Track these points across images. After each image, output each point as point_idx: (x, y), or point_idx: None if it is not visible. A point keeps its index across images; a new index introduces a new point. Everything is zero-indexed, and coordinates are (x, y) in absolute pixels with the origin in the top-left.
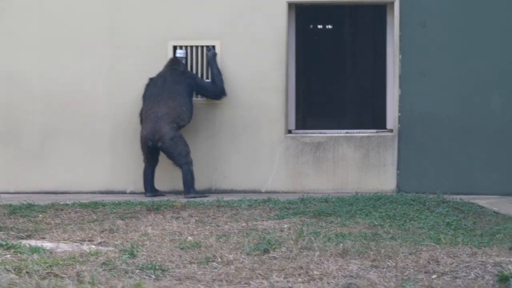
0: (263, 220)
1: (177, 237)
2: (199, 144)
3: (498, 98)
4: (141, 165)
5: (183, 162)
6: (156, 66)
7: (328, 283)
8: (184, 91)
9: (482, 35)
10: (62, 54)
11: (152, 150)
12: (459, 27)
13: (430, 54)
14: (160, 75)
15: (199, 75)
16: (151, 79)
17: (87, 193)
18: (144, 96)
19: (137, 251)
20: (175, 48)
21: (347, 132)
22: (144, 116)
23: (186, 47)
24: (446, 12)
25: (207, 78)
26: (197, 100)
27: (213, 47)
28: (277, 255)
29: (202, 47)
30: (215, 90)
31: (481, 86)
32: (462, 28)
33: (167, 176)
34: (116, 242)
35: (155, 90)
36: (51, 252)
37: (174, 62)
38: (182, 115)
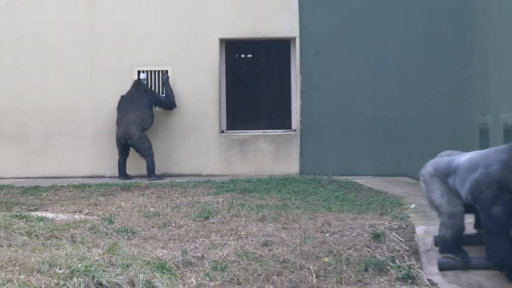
0: (204, 196)
1: (142, 209)
2: (157, 141)
3: (370, 104)
4: (116, 157)
5: (147, 154)
6: (125, 85)
7: (251, 240)
8: (147, 103)
9: (357, 60)
10: (55, 76)
11: (124, 146)
12: (341, 55)
13: (321, 75)
14: (128, 92)
15: (157, 91)
16: (122, 96)
17: (77, 177)
18: (118, 108)
19: (114, 219)
20: (139, 72)
21: (263, 132)
22: (118, 122)
23: (147, 71)
24: (332, 45)
25: (163, 93)
26: (156, 110)
27: (167, 71)
28: (215, 221)
29: (159, 71)
30: (168, 104)
31: (359, 97)
32: (343, 56)
33: (135, 164)
34: (99, 213)
35: (126, 103)
36: (52, 220)
37: (138, 83)
38: (146, 120)
